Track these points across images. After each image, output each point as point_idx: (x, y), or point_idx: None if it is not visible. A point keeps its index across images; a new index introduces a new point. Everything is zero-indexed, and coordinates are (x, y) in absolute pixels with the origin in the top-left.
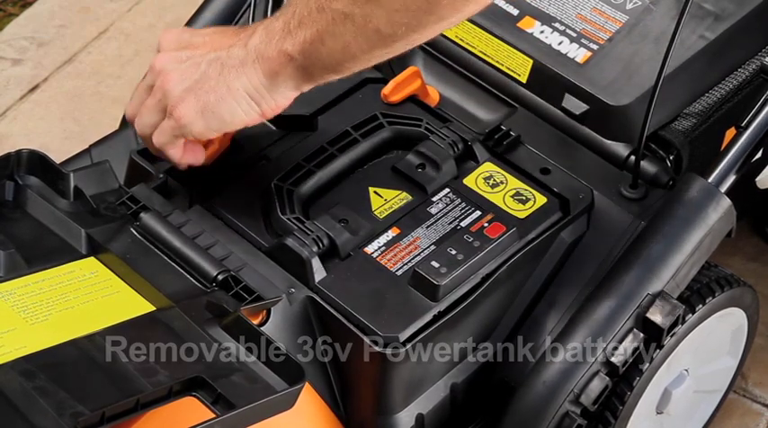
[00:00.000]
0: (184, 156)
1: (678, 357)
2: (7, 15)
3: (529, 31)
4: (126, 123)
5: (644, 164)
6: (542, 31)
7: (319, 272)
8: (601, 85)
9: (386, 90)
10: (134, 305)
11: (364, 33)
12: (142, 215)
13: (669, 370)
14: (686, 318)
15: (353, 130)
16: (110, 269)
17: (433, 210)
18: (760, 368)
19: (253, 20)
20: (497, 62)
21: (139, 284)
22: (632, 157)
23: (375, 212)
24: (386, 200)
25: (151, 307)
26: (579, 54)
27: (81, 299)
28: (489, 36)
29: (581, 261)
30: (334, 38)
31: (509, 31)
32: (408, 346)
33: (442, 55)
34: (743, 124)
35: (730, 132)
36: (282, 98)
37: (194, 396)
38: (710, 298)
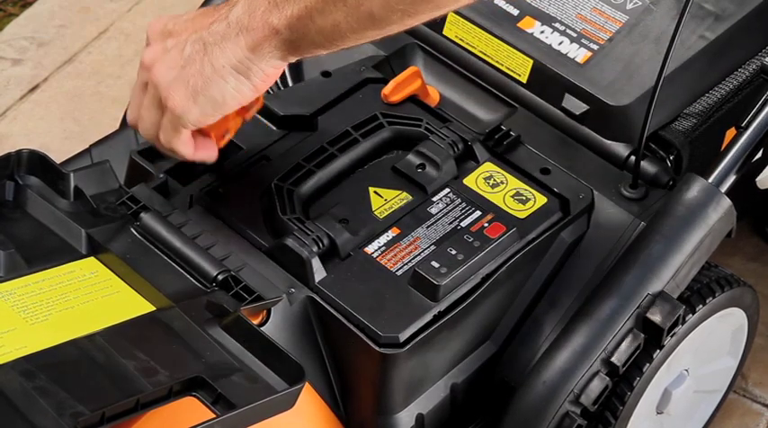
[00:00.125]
0: (197, 152)
1: (678, 357)
2: (7, 15)
3: (529, 31)
4: (126, 123)
5: (644, 164)
6: (542, 31)
7: (319, 272)
8: (601, 85)
9: (386, 90)
10: (134, 305)
11: (356, 14)
12: (142, 215)
13: (669, 370)
14: (686, 318)
15: (354, 130)
16: (110, 269)
17: (434, 210)
18: (760, 368)
19: None
20: (497, 62)
21: (139, 284)
22: (632, 157)
23: (375, 212)
24: (386, 200)
25: (151, 307)
26: (579, 54)
27: (81, 299)
28: (489, 36)
29: (581, 261)
30: (324, 16)
31: (509, 31)
32: (408, 346)
33: (442, 55)
34: (743, 124)
35: (730, 132)
36: (270, 68)
37: (194, 396)
38: (711, 299)
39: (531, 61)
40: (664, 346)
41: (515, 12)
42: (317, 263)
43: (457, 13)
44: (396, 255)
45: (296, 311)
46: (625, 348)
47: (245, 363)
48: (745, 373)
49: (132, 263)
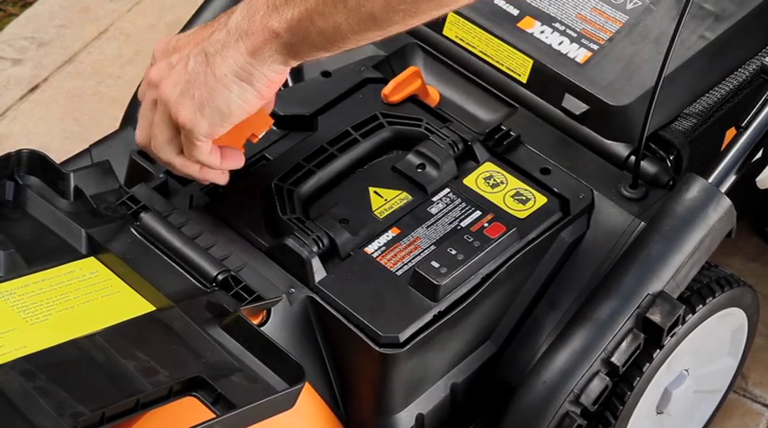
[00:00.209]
0: (224, 161)
1: (678, 357)
2: (7, 15)
3: (529, 31)
4: (126, 123)
5: (644, 164)
6: (542, 31)
7: (319, 272)
8: (601, 85)
9: (386, 90)
10: (134, 305)
11: (357, 16)
12: (142, 215)
13: (669, 370)
14: (686, 318)
15: (353, 130)
16: (110, 269)
17: (434, 210)
18: (760, 368)
19: None
20: (497, 62)
21: (139, 284)
22: (632, 157)
23: (375, 212)
24: (386, 200)
25: (151, 307)
26: (579, 54)
27: (81, 299)
28: (489, 36)
29: (581, 261)
30: (325, 18)
31: (509, 31)
32: (408, 346)
33: (442, 55)
34: (743, 124)
35: (730, 132)
36: (272, 73)
37: (194, 396)
38: (711, 299)
39: (531, 61)
40: (664, 346)
41: (515, 12)
42: (316, 263)
43: (457, 13)
44: (396, 255)
45: (296, 311)
46: (625, 348)
47: (245, 363)
48: (745, 373)
49: (132, 263)
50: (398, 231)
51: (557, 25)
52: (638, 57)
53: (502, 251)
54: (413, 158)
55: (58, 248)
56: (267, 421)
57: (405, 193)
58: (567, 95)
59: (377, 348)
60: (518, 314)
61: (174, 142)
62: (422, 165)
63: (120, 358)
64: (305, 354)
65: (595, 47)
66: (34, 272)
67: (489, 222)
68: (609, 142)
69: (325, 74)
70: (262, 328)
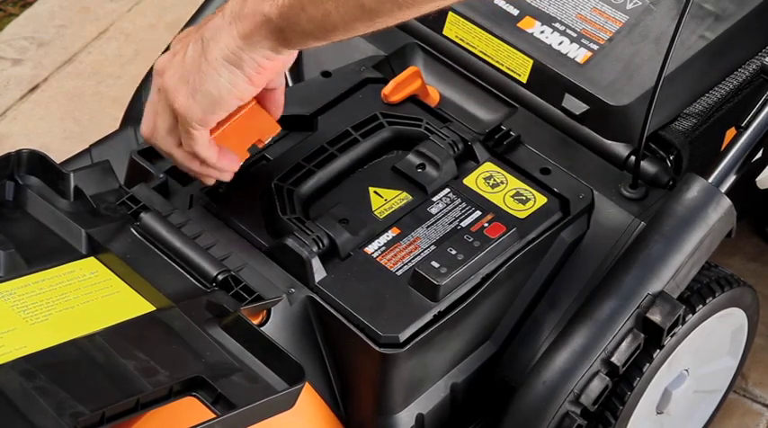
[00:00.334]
0: (220, 158)
1: (678, 357)
2: (7, 15)
3: (529, 31)
4: (126, 123)
5: (644, 164)
6: (542, 31)
7: (319, 272)
8: (601, 85)
9: (386, 90)
10: (134, 305)
11: (346, 5)
12: (142, 215)
13: (669, 370)
14: (686, 318)
15: (353, 130)
16: (110, 269)
17: (434, 210)
18: (760, 368)
19: None
20: (497, 62)
21: (139, 284)
22: (632, 157)
23: (375, 212)
24: (386, 200)
25: (151, 307)
26: (579, 54)
27: (81, 299)
28: (489, 36)
29: (581, 261)
30: (315, 5)
31: (509, 31)
32: (408, 346)
33: (442, 55)
34: (743, 124)
35: (730, 132)
36: (262, 58)
37: (194, 396)
38: (711, 299)
39: (531, 61)
40: (664, 346)
41: (515, 12)
42: (316, 263)
43: (457, 12)
44: (396, 255)
45: (296, 311)
46: (625, 348)
47: (245, 363)
48: (745, 373)
49: (132, 263)
50: (398, 231)
51: (557, 25)
52: (638, 57)
53: (502, 251)
54: (413, 158)
55: (58, 248)
56: (267, 421)
57: (405, 193)
58: (566, 95)
59: (377, 348)
60: (518, 314)
61: (174, 132)
62: (422, 165)
63: (120, 358)
64: (305, 354)
65: (595, 47)
66: (34, 272)
67: (489, 222)
68: (609, 142)
69: (326, 74)
70: (262, 328)
